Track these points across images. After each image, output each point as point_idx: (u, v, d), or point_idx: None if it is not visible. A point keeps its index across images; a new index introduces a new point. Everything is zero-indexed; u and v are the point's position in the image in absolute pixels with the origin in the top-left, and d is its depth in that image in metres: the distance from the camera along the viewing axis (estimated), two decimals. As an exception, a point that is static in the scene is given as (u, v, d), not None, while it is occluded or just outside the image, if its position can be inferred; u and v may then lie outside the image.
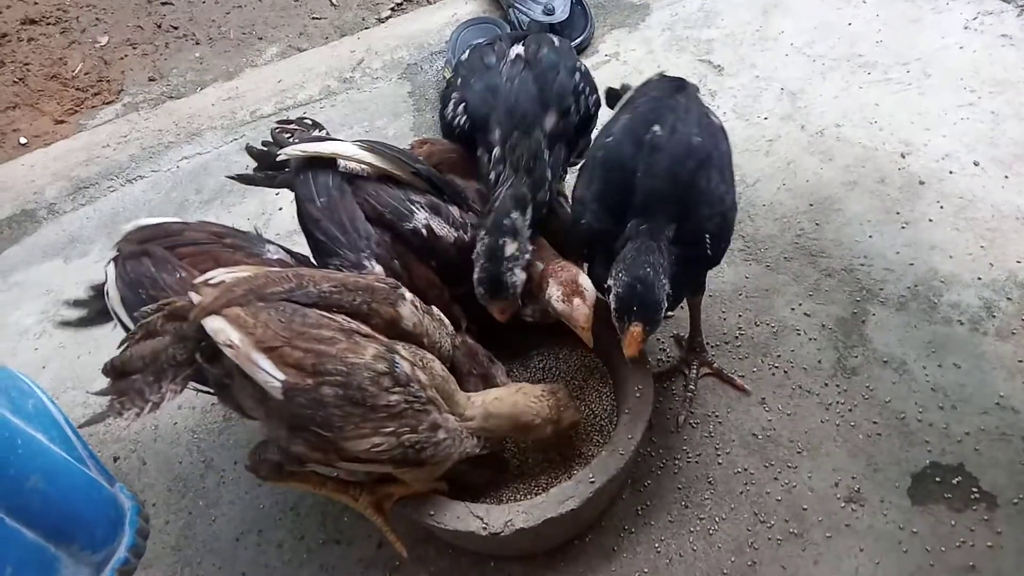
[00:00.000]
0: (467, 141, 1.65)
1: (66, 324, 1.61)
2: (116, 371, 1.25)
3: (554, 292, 1.46)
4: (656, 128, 1.44)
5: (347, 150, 1.50)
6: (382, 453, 1.21)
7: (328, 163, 1.50)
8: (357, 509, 1.42)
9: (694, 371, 1.76)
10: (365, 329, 1.27)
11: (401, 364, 1.23)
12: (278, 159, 1.53)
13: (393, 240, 1.47)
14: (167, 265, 1.41)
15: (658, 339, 1.87)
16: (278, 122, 1.72)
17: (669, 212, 1.39)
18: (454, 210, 1.52)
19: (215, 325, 1.19)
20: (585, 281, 1.47)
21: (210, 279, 1.27)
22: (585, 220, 1.48)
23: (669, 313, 1.88)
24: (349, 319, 1.26)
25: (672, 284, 1.37)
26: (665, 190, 1.40)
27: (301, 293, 1.25)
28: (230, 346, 1.18)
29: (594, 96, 1.70)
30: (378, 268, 1.42)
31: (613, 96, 1.73)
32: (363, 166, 1.51)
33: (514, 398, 1.40)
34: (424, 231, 1.48)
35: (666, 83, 1.60)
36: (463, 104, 1.61)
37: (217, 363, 1.23)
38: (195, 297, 1.23)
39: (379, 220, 1.47)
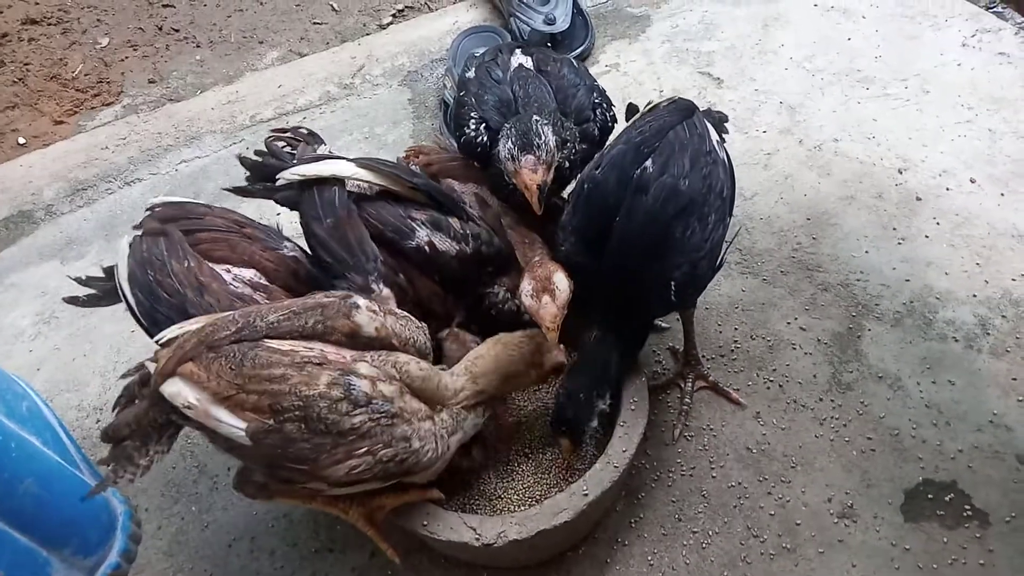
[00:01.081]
0: (488, 158, 1.63)
1: (73, 301, 1.60)
2: (110, 438, 1.28)
3: (526, 287, 1.43)
4: (648, 164, 1.44)
5: (345, 169, 1.50)
6: (363, 473, 1.22)
7: (334, 181, 1.49)
8: (348, 521, 1.42)
9: (689, 384, 1.77)
10: (324, 353, 1.25)
11: (358, 384, 1.22)
12: (277, 183, 1.53)
13: (395, 257, 1.47)
14: (178, 251, 1.42)
15: (653, 351, 1.88)
16: (272, 131, 1.71)
17: (640, 259, 1.42)
18: (454, 222, 1.52)
19: (171, 390, 1.21)
20: (560, 280, 1.43)
21: (162, 338, 1.29)
22: (564, 248, 1.50)
23: (664, 325, 1.92)
24: (308, 345, 1.25)
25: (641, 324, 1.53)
26: (638, 238, 1.42)
27: (248, 331, 1.25)
28: (188, 407, 1.20)
29: (611, 112, 1.71)
30: (386, 291, 1.42)
31: (632, 111, 1.73)
32: (362, 183, 1.51)
33: (493, 351, 1.42)
34: (427, 248, 1.48)
35: (673, 109, 1.58)
36: (484, 124, 1.61)
37: (190, 420, 1.24)
38: (150, 365, 1.25)
39: (380, 238, 1.47)
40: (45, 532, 1.54)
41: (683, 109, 1.58)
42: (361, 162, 1.51)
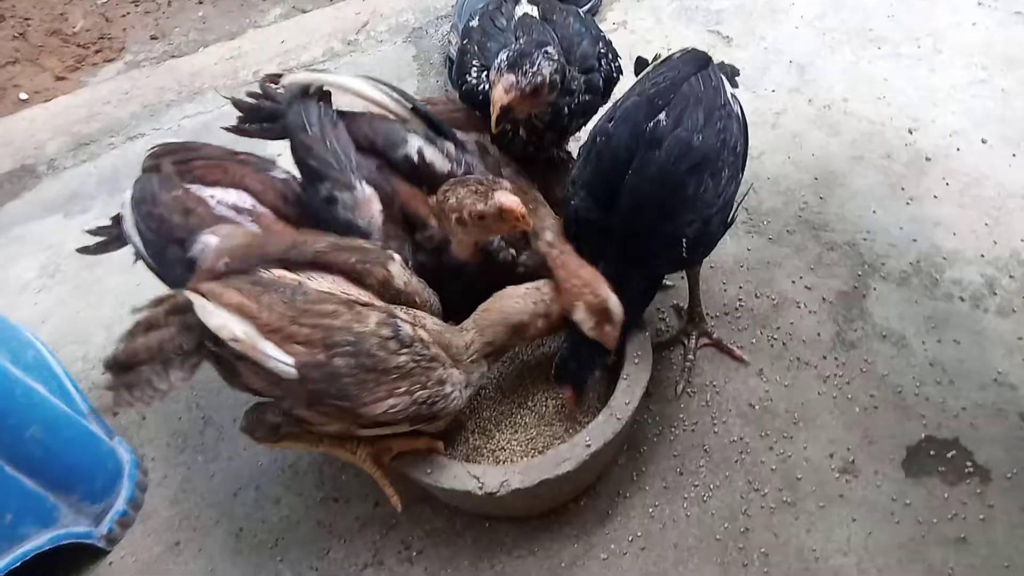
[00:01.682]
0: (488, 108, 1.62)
1: (85, 250, 1.62)
2: (120, 364, 1.27)
3: (584, 319, 1.43)
4: (661, 117, 1.41)
5: (348, 82, 1.53)
6: (399, 413, 1.26)
7: (322, 96, 1.52)
8: (355, 463, 1.43)
9: (693, 341, 1.76)
10: (364, 298, 1.30)
11: (403, 327, 1.27)
12: (280, 85, 1.54)
13: (384, 167, 1.47)
14: (168, 183, 1.45)
15: (658, 308, 1.87)
16: (267, 75, 1.70)
17: (651, 215, 1.41)
18: (449, 146, 1.52)
19: (217, 321, 1.21)
20: (614, 305, 1.43)
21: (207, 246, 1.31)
22: (574, 203, 1.48)
23: (669, 283, 1.91)
24: (347, 290, 1.29)
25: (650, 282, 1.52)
26: (650, 194, 1.40)
27: (296, 252, 1.29)
28: (235, 340, 1.20)
29: (617, 62, 1.68)
30: (368, 190, 1.42)
31: (642, 64, 1.69)
32: (364, 102, 1.53)
33: (499, 304, 1.43)
34: (416, 156, 1.47)
35: (688, 59, 1.55)
36: (486, 72, 1.58)
37: (226, 347, 1.24)
38: (189, 295, 1.25)
39: (371, 148, 1.47)
40: (52, 478, 1.56)
41: (697, 60, 1.55)
42: (366, 79, 1.55)
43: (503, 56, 1.42)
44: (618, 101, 1.53)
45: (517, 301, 1.43)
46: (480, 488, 1.37)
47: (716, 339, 1.77)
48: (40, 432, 1.53)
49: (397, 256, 1.38)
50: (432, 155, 1.49)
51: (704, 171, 1.41)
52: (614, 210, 1.43)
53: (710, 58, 1.58)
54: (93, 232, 1.62)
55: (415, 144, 1.48)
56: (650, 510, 1.57)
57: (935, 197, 1.98)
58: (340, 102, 1.57)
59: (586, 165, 1.48)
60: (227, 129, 1.69)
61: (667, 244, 1.44)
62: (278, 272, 1.30)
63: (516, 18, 1.65)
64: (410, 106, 1.54)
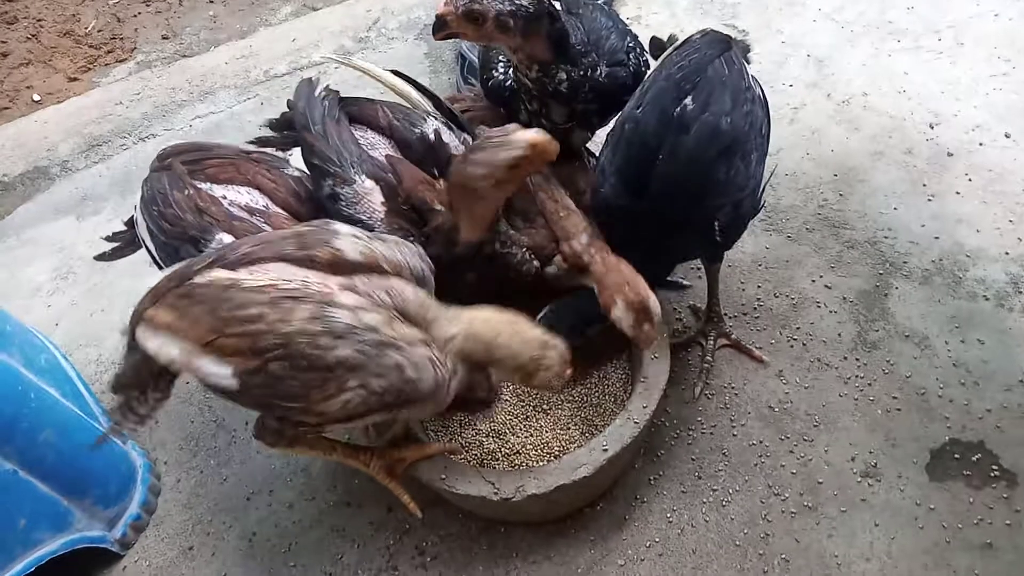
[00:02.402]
0: (513, 103, 1.61)
1: (101, 257, 1.64)
2: (115, 390, 1.28)
3: (624, 317, 1.40)
4: (687, 101, 1.39)
5: (378, 72, 1.62)
6: (359, 407, 1.18)
7: (328, 95, 1.54)
8: (369, 474, 1.41)
9: (711, 342, 1.74)
10: (306, 284, 1.18)
11: (338, 316, 1.16)
12: (320, 60, 1.60)
13: (395, 154, 1.47)
14: (179, 182, 1.44)
15: (675, 309, 1.84)
16: (321, 57, 1.73)
17: (683, 201, 1.39)
18: (467, 136, 1.52)
19: (152, 345, 1.19)
20: (654, 304, 1.41)
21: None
22: (604, 191, 1.46)
23: (686, 283, 1.88)
24: (287, 278, 1.19)
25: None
26: (682, 179, 1.38)
27: (220, 261, 1.21)
28: (172, 361, 1.18)
29: (644, 56, 1.65)
30: (369, 183, 1.42)
31: (657, 46, 1.66)
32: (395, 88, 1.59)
33: (501, 326, 1.29)
34: (432, 136, 1.47)
35: (710, 41, 1.52)
36: (512, 68, 1.56)
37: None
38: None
39: (388, 128, 1.48)
40: (65, 482, 1.55)
41: (720, 42, 1.52)
42: (390, 70, 1.61)
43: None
44: (643, 87, 1.50)
45: (516, 342, 1.29)
46: (496, 494, 1.35)
47: (735, 339, 1.74)
48: (54, 436, 1.52)
49: (344, 228, 1.27)
50: (448, 138, 1.49)
51: (734, 155, 1.39)
52: (645, 196, 1.41)
53: (731, 39, 1.55)
54: (108, 238, 1.62)
55: (431, 125, 1.49)
56: (668, 515, 1.54)
57: (957, 193, 1.93)
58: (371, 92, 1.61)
59: (615, 152, 1.47)
60: (251, 143, 1.68)
61: (700, 228, 1.42)
62: (212, 275, 1.20)
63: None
64: (434, 99, 1.56)
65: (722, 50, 1.49)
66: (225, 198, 1.45)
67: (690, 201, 1.39)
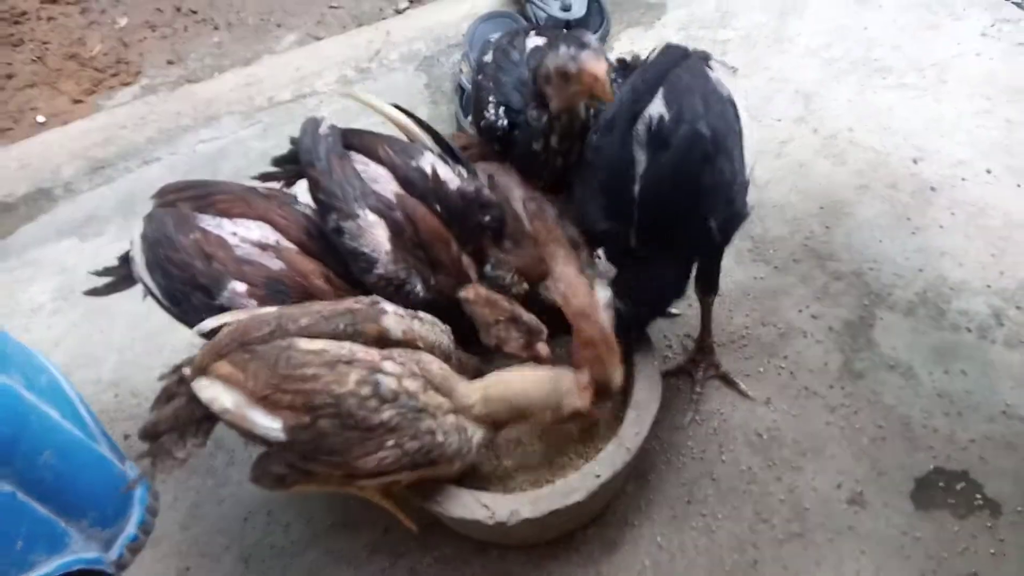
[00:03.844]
0: (508, 142, 1.64)
1: (94, 292, 1.64)
2: (149, 435, 1.35)
3: (581, 390, 1.43)
4: (661, 113, 1.39)
5: (381, 106, 1.67)
6: (391, 464, 1.28)
7: (331, 131, 1.56)
8: (365, 496, 1.44)
9: (701, 372, 1.77)
10: (353, 352, 1.30)
11: (384, 382, 1.28)
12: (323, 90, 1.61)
13: (399, 184, 1.50)
14: (184, 225, 1.46)
15: (664, 336, 1.88)
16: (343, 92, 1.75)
17: (675, 211, 1.41)
18: (462, 169, 1.55)
19: (208, 395, 1.28)
20: (616, 383, 1.47)
21: (203, 329, 1.36)
22: (587, 221, 1.50)
23: (675, 312, 1.92)
24: (338, 344, 1.31)
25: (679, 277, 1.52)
26: (669, 193, 1.40)
27: (280, 334, 1.30)
28: (225, 411, 1.27)
29: None
30: (372, 217, 1.44)
31: (623, 66, 1.69)
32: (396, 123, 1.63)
33: (515, 380, 1.41)
34: (429, 171, 1.50)
35: (667, 55, 1.53)
36: (503, 107, 1.61)
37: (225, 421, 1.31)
38: (187, 371, 1.32)
39: (387, 160, 1.51)
40: (63, 503, 1.56)
41: (675, 52, 1.53)
42: (393, 104, 1.67)
43: (563, 49, 1.44)
44: (602, 114, 1.53)
45: (529, 386, 1.40)
46: (490, 518, 1.38)
47: (723, 372, 1.78)
48: (53, 457, 1.53)
49: (390, 307, 1.38)
50: (444, 172, 1.52)
51: (718, 156, 1.40)
52: (632, 216, 1.42)
53: (687, 49, 1.56)
54: (100, 273, 1.62)
55: (428, 160, 1.52)
56: (658, 539, 1.57)
57: (941, 227, 1.99)
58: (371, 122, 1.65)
59: (585, 182, 1.50)
60: (256, 178, 1.71)
61: (696, 233, 1.44)
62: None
63: (529, 50, 1.67)
64: (433, 133, 1.60)
65: (680, 59, 1.51)
66: (235, 234, 1.46)
67: (684, 210, 1.41)
